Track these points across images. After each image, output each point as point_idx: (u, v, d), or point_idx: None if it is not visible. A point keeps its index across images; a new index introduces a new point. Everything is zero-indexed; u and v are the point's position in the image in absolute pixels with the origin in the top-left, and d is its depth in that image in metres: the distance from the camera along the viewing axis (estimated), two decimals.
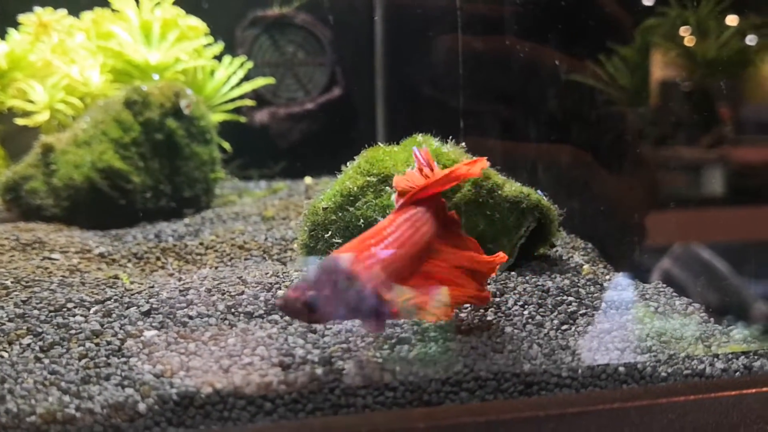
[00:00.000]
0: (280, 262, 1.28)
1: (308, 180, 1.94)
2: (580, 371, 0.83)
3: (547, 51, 1.36)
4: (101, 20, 1.76)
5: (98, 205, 1.52)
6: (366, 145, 1.20)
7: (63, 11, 1.72)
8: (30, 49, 1.68)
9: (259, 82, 1.94)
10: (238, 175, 1.97)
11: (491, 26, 1.57)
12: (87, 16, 1.76)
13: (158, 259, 1.29)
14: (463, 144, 1.18)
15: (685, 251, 1.23)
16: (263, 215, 1.60)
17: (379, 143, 1.21)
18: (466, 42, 1.77)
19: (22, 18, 1.70)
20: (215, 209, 1.66)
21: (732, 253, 1.18)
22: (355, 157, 1.20)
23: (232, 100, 1.88)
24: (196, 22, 1.82)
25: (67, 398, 0.77)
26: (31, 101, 1.63)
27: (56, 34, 1.71)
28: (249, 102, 1.93)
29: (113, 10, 1.77)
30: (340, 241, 1.13)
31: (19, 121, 1.63)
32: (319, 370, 0.80)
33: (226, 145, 1.81)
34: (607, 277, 1.11)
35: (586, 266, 1.13)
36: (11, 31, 1.70)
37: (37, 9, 1.70)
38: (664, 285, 1.07)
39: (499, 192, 1.11)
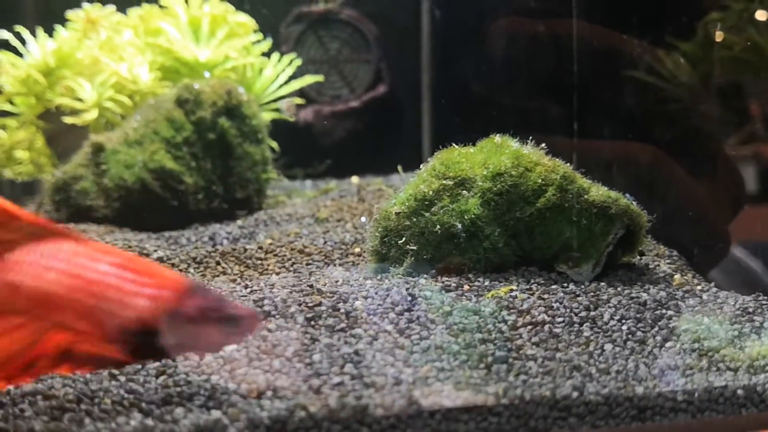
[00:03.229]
0: (344, 268, 1.22)
1: (355, 179, 1.88)
2: (696, 395, 0.77)
3: (624, 40, 1.27)
4: (149, 17, 1.71)
5: (150, 206, 1.48)
6: (442, 145, 1.14)
7: (111, 7, 1.68)
8: (77, 46, 1.63)
9: (308, 79, 1.88)
10: (284, 175, 1.92)
11: (555, 13, 1.49)
12: (134, 12, 1.72)
13: (218, 263, 1.24)
14: (544, 145, 1.11)
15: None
16: (317, 217, 1.54)
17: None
18: (524, 31, 1.69)
19: (70, 14, 1.65)
20: (267, 210, 1.61)
21: None
22: (429, 159, 1.14)
23: (281, 98, 1.83)
24: (244, 19, 1.77)
25: (150, 422, 0.72)
26: (79, 99, 1.59)
27: (104, 31, 1.66)
28: (298, 100, 1.88)
29: (161, 6, 1.72)
30: (414, 248, 1.07)
31: (67, 120, 1.58)
32: (416, 392, 0.74)
33: (275, 145, 1.76)
34: (699, 287, 1.04)
35: (677, 276, 1.06)
36: (58, 28, 1.66)
37: (86, 5, 1.66)
38: (766, 297, 1.00)
39: (586, 196, 1.04)
